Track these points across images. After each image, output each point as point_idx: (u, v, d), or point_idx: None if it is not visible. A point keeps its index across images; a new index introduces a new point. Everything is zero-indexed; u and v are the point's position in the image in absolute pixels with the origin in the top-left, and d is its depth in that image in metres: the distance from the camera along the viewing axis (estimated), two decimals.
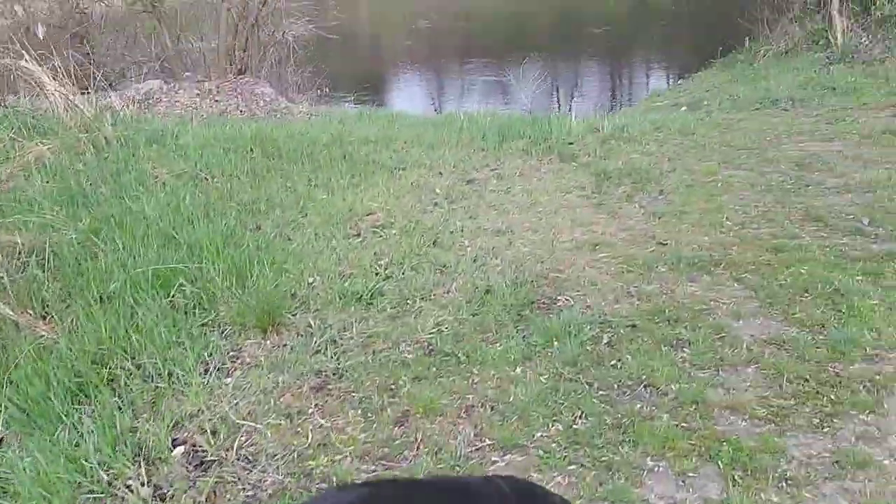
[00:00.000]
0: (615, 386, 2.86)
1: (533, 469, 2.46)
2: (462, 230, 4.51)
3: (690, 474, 2.37)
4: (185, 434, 2.70)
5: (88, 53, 11.12)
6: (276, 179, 5.51)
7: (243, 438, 2.67)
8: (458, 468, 2.47)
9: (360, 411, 2.79)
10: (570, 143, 6.23)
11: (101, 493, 2.42)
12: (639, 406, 2.72)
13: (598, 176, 5.34)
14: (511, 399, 2.81)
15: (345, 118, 8.55)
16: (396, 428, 2.69)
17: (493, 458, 2.51)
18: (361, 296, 3.64)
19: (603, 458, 2.46)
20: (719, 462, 2.40)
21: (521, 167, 5.77)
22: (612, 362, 3.01)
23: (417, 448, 2.60)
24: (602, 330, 3.25)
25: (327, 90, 13.45)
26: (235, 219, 4.71)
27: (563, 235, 4.37)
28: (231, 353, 3.22)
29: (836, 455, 2.41)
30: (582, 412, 2.70)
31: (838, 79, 8.41)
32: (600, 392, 2.82)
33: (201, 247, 3.96)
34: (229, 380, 3.02)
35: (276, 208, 4.94)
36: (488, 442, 2.60)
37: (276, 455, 2.58)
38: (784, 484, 2.30)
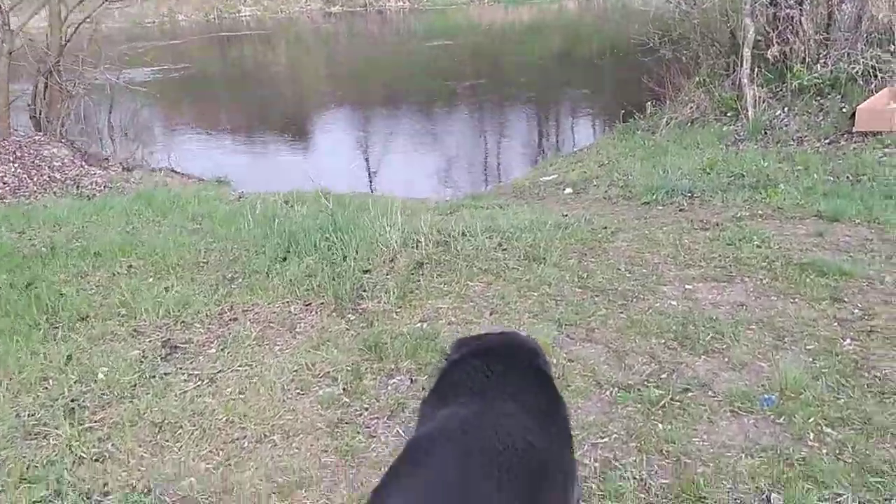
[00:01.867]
0: None
1: None
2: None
3: None
4: None
5: None
6: None
7: None
8: None
9: None
10: (366, 272, 4.25)
11: None
12: None
13: (369, 350, 3.35)
14: None
15: (115, 203, 6.40)
16: None
17: None
18: None
19: None
20: None
21: (269, 321, 3.74)
22: None
23: None
24: None
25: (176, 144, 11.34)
26: None
27: None
28: None
29: None
30: None
31: (748, 162, 6.75)
32: None
33: None
34: None
35: None
36: None
37: None
38: None
